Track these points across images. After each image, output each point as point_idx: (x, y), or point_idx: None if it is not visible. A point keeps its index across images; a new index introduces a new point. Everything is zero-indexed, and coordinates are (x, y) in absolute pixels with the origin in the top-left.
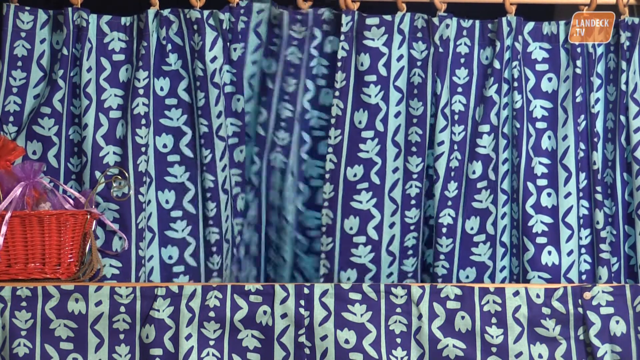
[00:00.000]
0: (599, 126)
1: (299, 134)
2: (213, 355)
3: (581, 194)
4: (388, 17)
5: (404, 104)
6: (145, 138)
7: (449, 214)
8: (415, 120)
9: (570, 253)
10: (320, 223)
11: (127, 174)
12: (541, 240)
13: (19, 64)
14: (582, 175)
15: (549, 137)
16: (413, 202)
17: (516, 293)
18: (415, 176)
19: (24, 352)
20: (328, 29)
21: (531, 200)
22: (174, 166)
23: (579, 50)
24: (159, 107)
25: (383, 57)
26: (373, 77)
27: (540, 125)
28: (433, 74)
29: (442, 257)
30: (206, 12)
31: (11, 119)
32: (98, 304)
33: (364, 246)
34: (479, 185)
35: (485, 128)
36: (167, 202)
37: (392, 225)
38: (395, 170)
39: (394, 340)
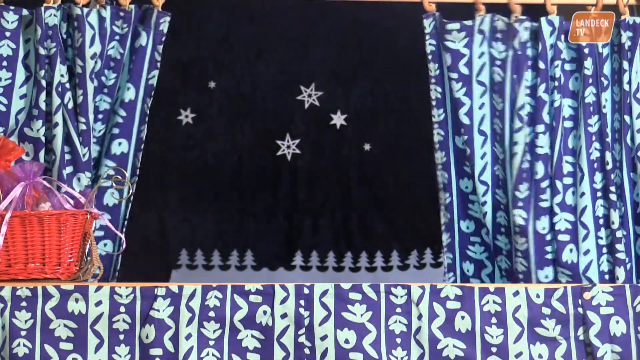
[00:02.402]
0: (608, 126)
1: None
2: (213, 355)
3: (599, 194)
4: (468, 22)
5: (487, 95)
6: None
7: (520, 215)
8: (497, 113)
9: (587, 252)
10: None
11: (126, 175)
12: (563, 237)
13: (5, 63)
14: (599, 175)
15: (574, 136)
16: (500, 183)
17: (516, 293)
18: (500, 162)
19: (23, 352)
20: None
21: (557, 199)
22: None
23: (586, 50)
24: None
25: (464, 58)
26: (454, 75)
27: (568, 124)
28: (512, 76)
29: (519, 254)
30: (85, 10)
31: None
32: (98, 304)
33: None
34: (543, 184)
35: (541, 128)
36: None
37: (484, 204)
38: (484, 155)
39: (394, 340)
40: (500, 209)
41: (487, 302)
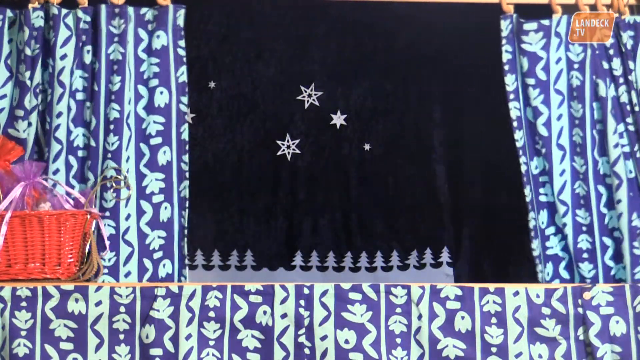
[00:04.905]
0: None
1: (135, 144)
2: (213, 355)
3: None
4: (546, 22)
5: (565, 105)
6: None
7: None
8: (577, 122)
9: None
10: (162, 243)
11: (126, 175)
12: None
13: None
14: None
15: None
16: (582, 202)
17: (516, 293)
18: (581, 176)
19: (24, 352)
20: (154, 27)
21: None
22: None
23: (611, 52)
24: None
25: (541, 61)
26: (532, 81)
27: (631, 125)
28: (591, 76)
29: None
30: (64, 10)
31: None
32: (98, 304)
33: (554, 236)
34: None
35: (621, 127)
36: None
37: (564, 226)
38: (563, 172)
39: (394, 340)
40: (582, 232)
41: (487, 302)
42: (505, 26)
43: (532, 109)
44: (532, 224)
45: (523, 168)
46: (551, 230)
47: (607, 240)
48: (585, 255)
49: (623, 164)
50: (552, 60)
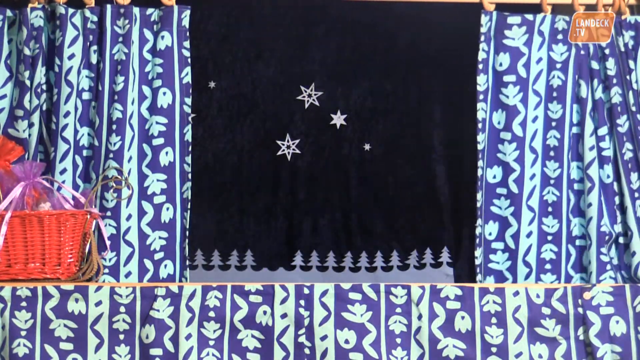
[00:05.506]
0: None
1: (137, 144)
2: (213, 355)
3: (636, 195)
4: (530, 17)
5: (542, 107)
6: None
7: (606, 224)
8: (553, 124)
9: (634, 254)
10: (164, 244)
11: (126, 175)
12: (625, 240)
13: None
14: (635, 176)
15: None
16: (550, 209)
17: (516, 293)
18: (552, 181)
19: (23, 352)
20: (159, 28)
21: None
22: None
23: (607, 51)
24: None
25: (523, 58)
26: (512, 78)
27: (622, 127)
28: (574, 76)
29: (608, 266)
30: (71, 10)
31: None
32: (98, 304)
33: (502, 252)
34: (615, 188)
35: (604, 130)
36: None
37: (529, 235)
38: (533, 177)
39: (394, 340)
40: (547, 241)
41: (487, 302)
42: (484, 22)
43: (505, 111)
44: (478, 230)
45: (479, 172)
46: (499, 245)
47: (571, 249)
48: (547, 266)
49: (597, 168)
50: (533, 59)
